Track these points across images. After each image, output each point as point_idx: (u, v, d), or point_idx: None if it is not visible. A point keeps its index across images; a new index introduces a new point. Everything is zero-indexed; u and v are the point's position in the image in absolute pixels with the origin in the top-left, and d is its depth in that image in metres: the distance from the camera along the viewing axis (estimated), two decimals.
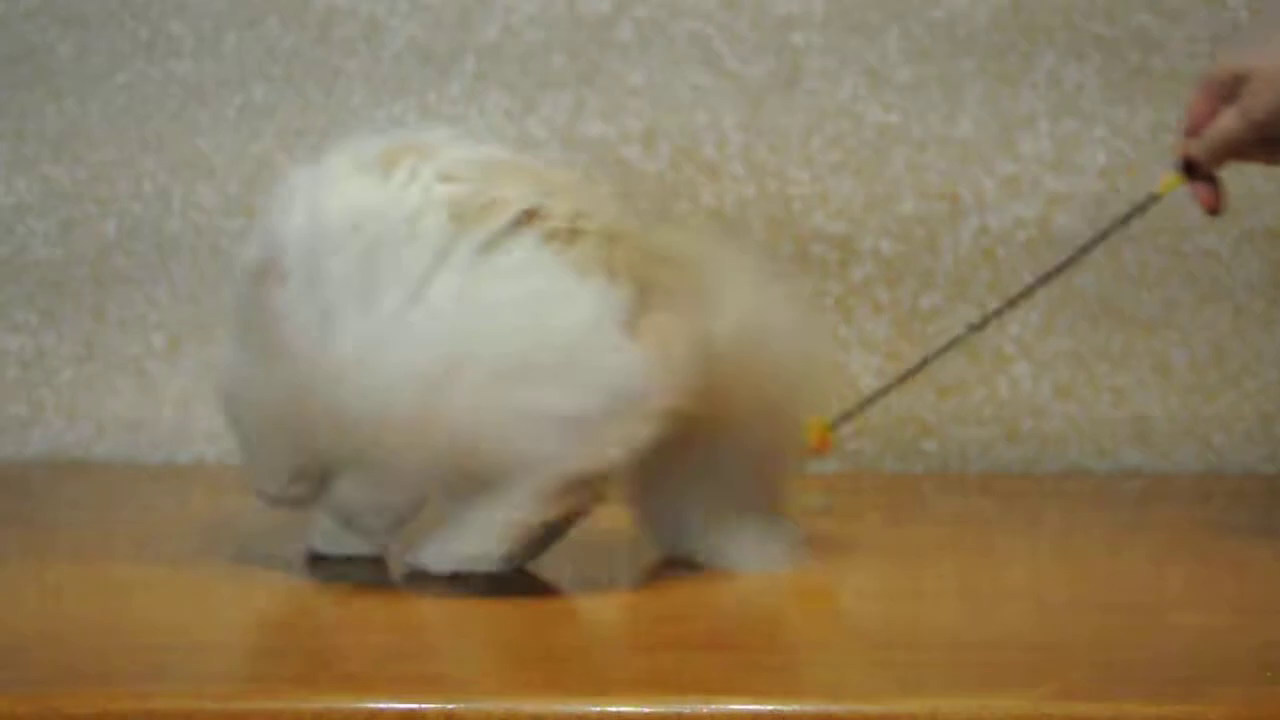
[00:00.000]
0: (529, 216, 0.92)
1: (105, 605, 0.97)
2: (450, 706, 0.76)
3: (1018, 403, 1.51)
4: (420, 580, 0.98)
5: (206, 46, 1.47)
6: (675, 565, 1.06)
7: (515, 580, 1.00)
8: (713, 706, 0.76)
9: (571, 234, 0.93)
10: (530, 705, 0.76)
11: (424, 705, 0.76)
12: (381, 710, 0.76)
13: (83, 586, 1.01)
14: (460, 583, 0.98)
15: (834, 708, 0.76)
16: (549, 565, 1.03)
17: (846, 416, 1.18)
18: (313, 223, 0.91)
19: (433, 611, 0.96)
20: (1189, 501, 1.41)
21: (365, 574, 1.02)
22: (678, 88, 1.48)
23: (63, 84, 1.47)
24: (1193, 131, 1.14)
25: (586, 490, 0.95)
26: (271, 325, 0.91)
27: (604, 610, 0.98)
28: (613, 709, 0.76)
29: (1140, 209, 1.19)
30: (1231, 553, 1.16)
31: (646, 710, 0.76)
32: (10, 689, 0.78)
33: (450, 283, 0.89)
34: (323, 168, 0.93)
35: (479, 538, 0.96)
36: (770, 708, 0.76)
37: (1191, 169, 1.16)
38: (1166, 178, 1.17)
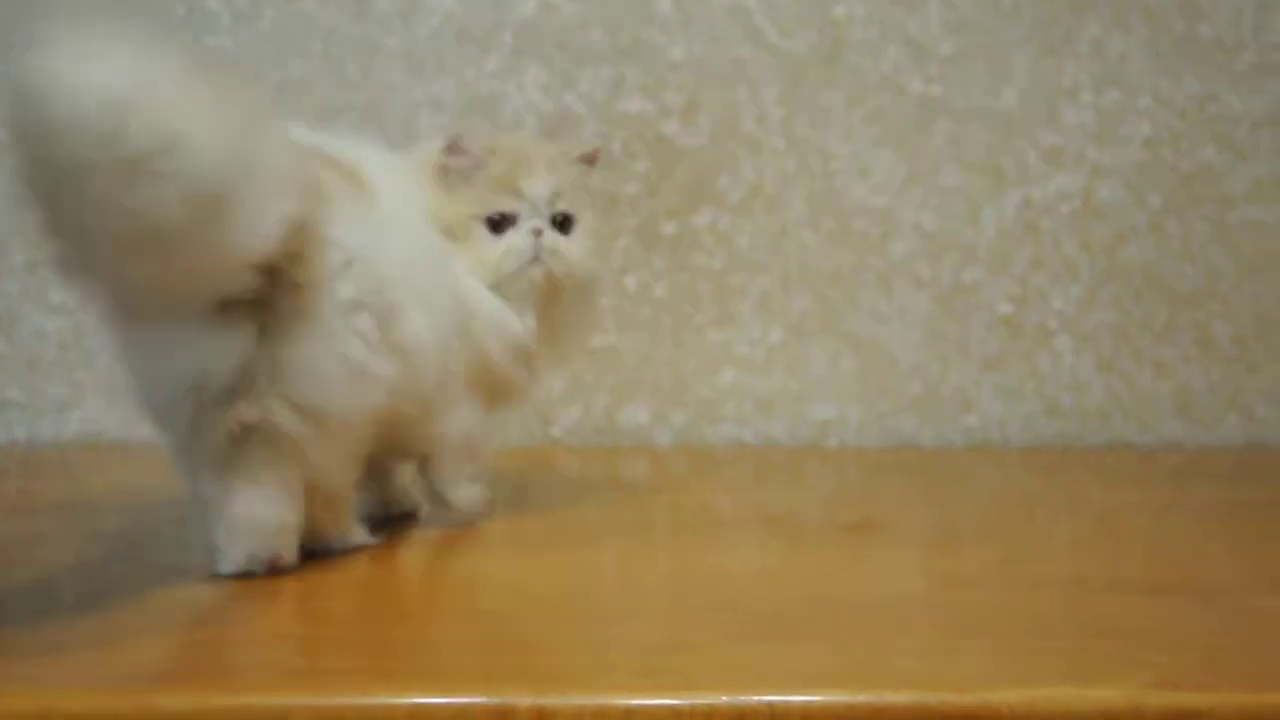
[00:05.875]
0: None
1: (153, 597, 0.96)
2: (542, 701, 0.75)
3: (1059, 377, 1.50)
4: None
5: (243, 22, 1.45)
6: (707, 553, 1.05)
7: (590, 570, 0.99)
8: (805, 698, 0.76)
9: None
10: (621, 700, 0.75)
11: (514, 700, 0.75)
12: (472, 705, 0.75)
13: (129, 573, 1.00)
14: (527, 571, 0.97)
15: (929, 698, 0.75)
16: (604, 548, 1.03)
17: None
18: None
19: (507, 601, 0.95)
20: (1233, 475, 1.41)
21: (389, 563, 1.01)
22: (718, 62, 1.47)
23: None
24: None
25: None
26: None
27: (675, 599, 0.97)
28: (703, 702, 0.76)
29: None
30: None
31: (730, 702, 0.76)
32: (105, 685, 0.77)
33: None
34: None
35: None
36: (865, 699, 0.75)
37: None
38: None
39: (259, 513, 0.93)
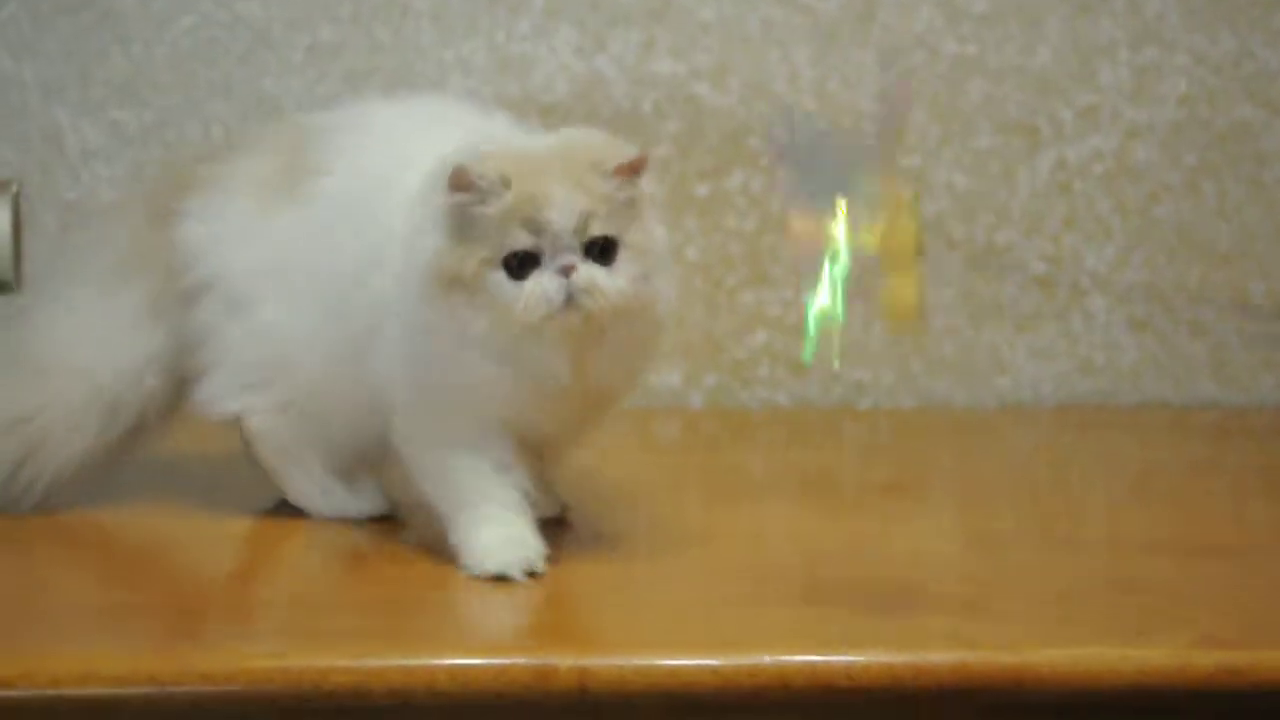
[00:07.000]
0: None
1: (192, 560, 0.97)
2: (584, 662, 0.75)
3: (1093, 336, 1.49)
4: None
5: None
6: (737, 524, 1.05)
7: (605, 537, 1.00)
8: (847, 657, 0.76)
9: None
10: (663, 661, 0.76)
11: (555, 661, 0.75)
12: (513, 666, 0.76)
13: (159, 537, 1.01)
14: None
15: (970, 657, 0.75)
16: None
17: None
18: None
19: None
20: (1268, 434, 1.40)
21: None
22: (749, 22, 1.46)
23: (128, 28, 1.45)
24: None
25: None
26: None
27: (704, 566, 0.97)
28: (745, 662, 0.76)
29: None
30: None
31: (772, 662, 0.76)
32: (143, 647, 0.78)
33: None
34: None
35: None
36: (906, 659, 0.75)
37: None
38: None
39: None
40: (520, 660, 0.75)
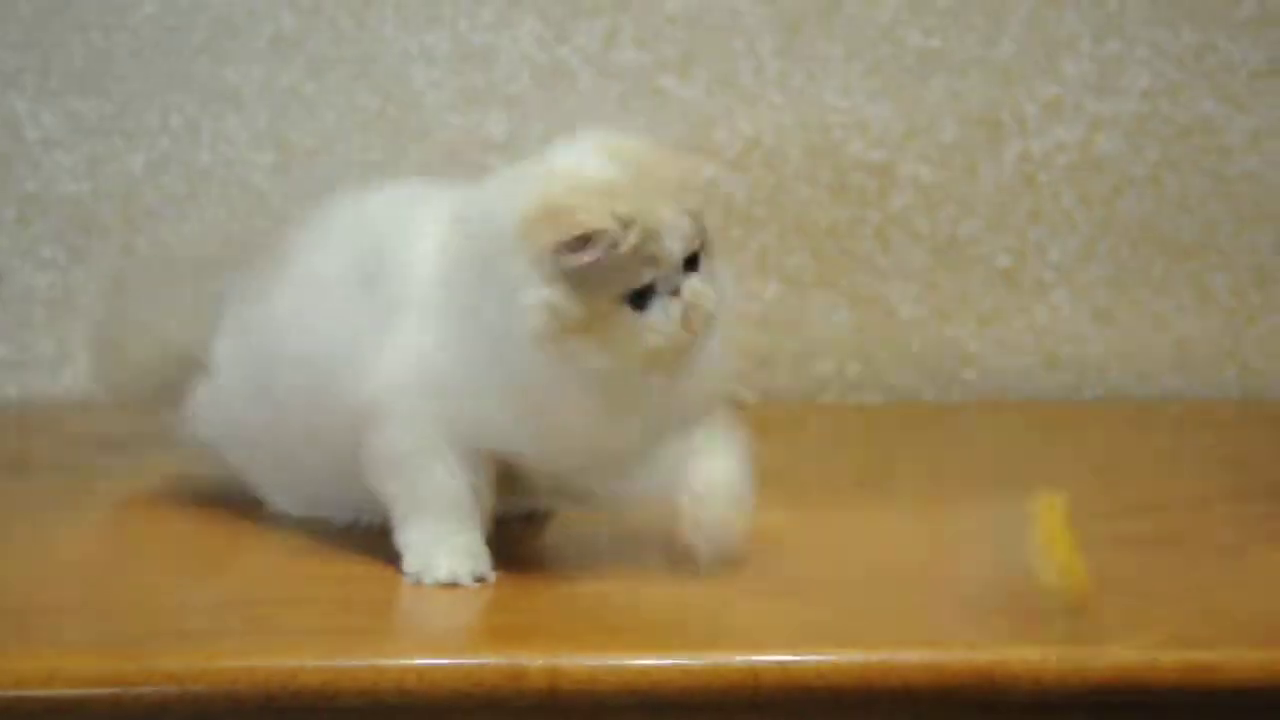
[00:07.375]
0: None
1: (158, 559, 0.96)
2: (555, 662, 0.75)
3: (1057, 329, 1.50)
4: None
5: None
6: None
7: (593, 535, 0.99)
8: (818, 657, 0.76)
9: None
10: (634, 660, 0.75)
11: (525, 661, 0.75)
12: (483, 666, 0.75)
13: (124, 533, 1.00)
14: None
15: (943, 656, 0.75)
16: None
17: None
18: None
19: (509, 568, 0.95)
20: (1232, 427, 1.41)
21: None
22: (715, 13, 1.45)
23: (88, 15, 1.43)
24: None
25: None
26: None
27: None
28: (716, 661, 0.76)
29: None
30: None
31: (743, 661, 0.76)
32: (107, 648, 0.77)
33: None
34: None
35: None
36: (879, 657, 0.75)
37: None
38: None
39: None
40: (490, 660, 0.75)
